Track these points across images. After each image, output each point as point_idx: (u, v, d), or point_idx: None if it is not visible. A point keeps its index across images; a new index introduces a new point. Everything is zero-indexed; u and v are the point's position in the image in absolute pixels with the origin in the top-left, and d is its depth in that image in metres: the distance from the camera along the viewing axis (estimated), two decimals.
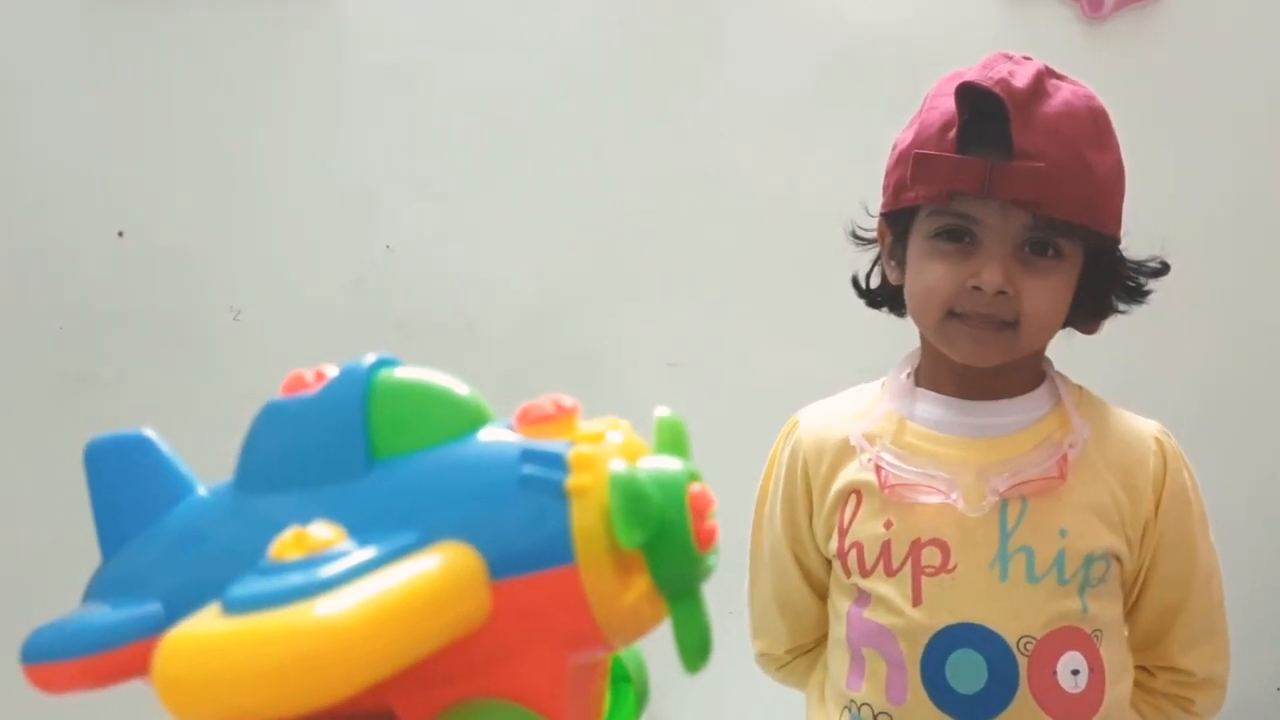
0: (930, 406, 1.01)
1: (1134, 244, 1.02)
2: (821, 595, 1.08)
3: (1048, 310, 0.94)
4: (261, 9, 1.79)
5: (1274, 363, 1.96)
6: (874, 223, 1.05)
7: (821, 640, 1.10)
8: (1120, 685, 1.00)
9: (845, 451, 1.01)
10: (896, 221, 1.00)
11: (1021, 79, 0.91)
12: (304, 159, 1.82)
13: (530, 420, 0.41)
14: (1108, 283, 1.00)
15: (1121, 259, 1.00)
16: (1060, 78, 0.96)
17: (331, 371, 0.42)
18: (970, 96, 0.90)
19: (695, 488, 0.40)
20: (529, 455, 0.39)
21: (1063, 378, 1.04)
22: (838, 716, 1.02)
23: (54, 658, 0.40)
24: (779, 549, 1.08)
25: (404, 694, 0.38)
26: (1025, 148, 0.89)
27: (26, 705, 1.28)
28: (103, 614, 0.42)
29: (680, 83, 1.89)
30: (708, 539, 0.40)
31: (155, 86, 1.79)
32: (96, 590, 0.44)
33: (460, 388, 0.42)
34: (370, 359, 0.42)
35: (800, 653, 1.12)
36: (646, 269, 1.88)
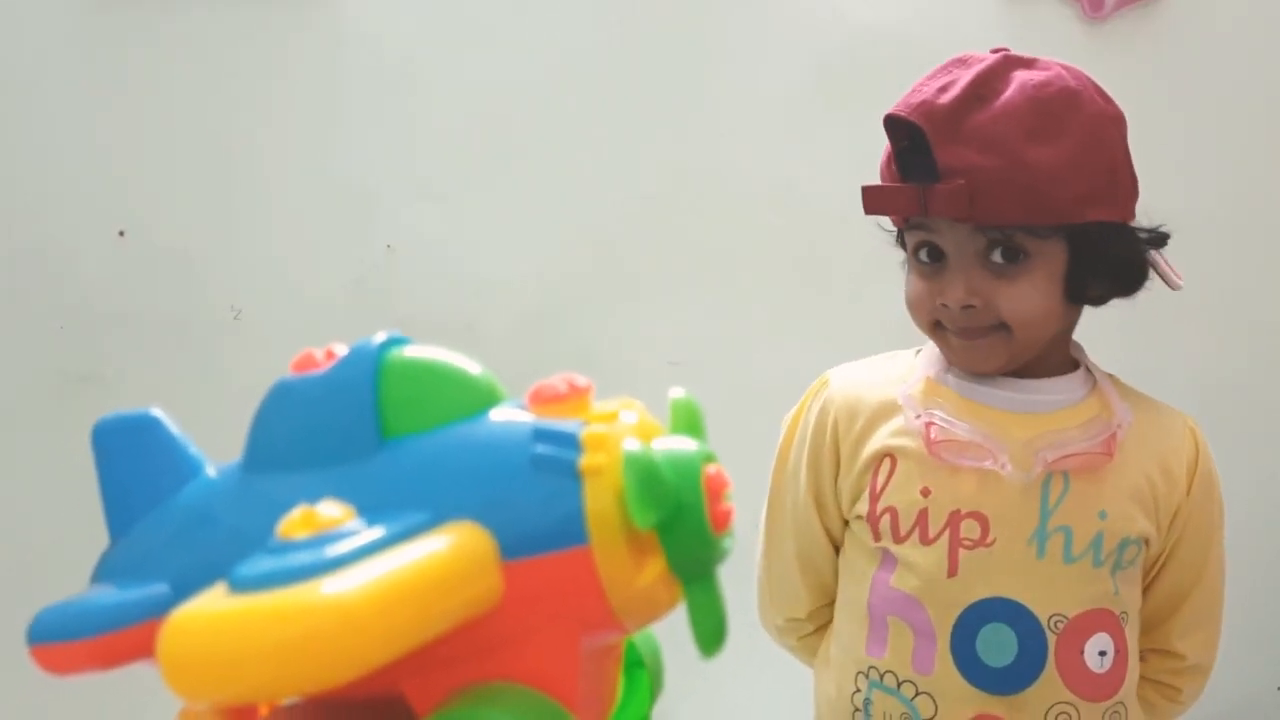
0: (969, 382, 1.00)
1: None
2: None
3: (1030, 310, 0.94)
4: (261, 9, 1.79)
5: (1274, 362, 1.96)
6: None
7: None
8: (1137, 666, 1.02)
9: (881, 413, 1.01)
10: (902, 240, 1.03)
11: (953, 91, 0.92)
12: (304, 159, 1.82)
13: (543, 400, 0.40)
14: (1098, 266, 0.97)
15: (1115, 237, 0.97)
16: (1027, 65, 0.95)
17: (341, 350, 0.42)
18: (893, 128, 0.93)
19: (711, 469, 0.39)
20: (542, 435, 0.39)
21: (1101, 371, 1.04)
22: (852, 682, 1.01)
23: (60, 638, 0.40)
24: (803, 508, 1.06)
25: (414, 676, 0.38)
26: (949, 165, 0.90)
27: (28, 703, 1.27)
28: (110, 594, 0.41)
29: (680, 82, 1.89)
30: (723, 521, 0.39)
31: (155, 86, 1.79)
32: (104, 571, 0.43)
33: (472, 366, 0.42)
34: (380, 337, 0.41)
35: (823, 620, 1.11)
36: (646, 269, 1.88)
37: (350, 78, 1.83)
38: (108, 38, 1.78)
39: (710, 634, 0.39)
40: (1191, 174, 1.86)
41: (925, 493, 0.97)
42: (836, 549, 1.07)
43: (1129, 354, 1.76)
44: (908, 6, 1.91)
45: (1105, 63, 1.89)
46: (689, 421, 0.41)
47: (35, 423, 1.74)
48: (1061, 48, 1.89)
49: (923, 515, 0.97)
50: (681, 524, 0.38)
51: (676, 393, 0.41)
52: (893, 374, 1.04)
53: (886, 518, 0.99)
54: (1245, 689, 1.99)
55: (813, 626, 1.12)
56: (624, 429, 0.39)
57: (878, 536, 1.00)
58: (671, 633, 0.43)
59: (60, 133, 1.78)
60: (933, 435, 0.96)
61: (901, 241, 1.02)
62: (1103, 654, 0.97)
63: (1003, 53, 0.96)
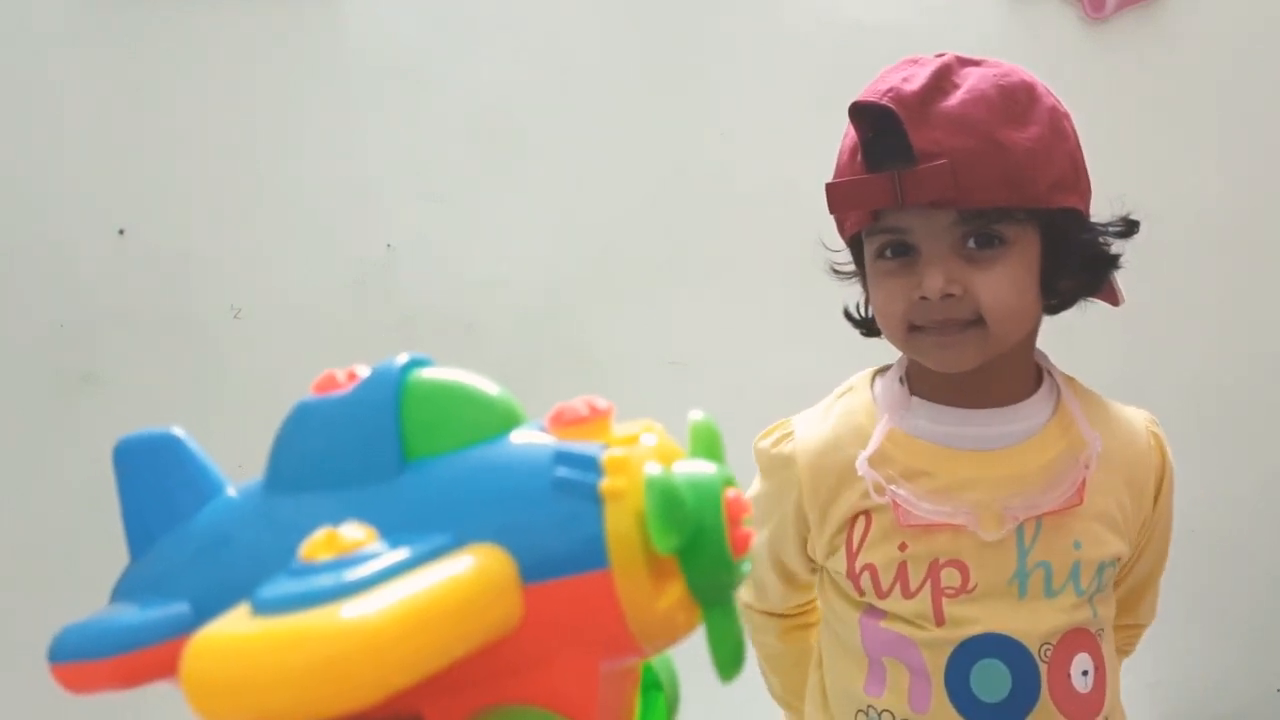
0: (928, 421, 0.98)
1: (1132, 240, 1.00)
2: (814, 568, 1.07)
3: (1007, 300, 0.91)
4: (262, 9, 1.79)
5: (1274, 362, 1.96)
6: (847, 255, 1.04)
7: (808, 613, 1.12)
8: (1115, 674, 1.02)
9: (848, 477, 0.98)
10: (855, 251, 1.00)
11: (916, 81, 0.90)
12: (304, 159, 1.82)
13: (564, 422, 0.40)
14: (1071, 255, 0.95)
15: (1083, 227, 0.96)
16: (976, 63, 0.94)
17: (363, 371, 0.42)
18: (862, 115, 0.90)
19: (730, 493, 0.39)
20: (563, 458, 0.39)
21: (1063, 375, 1.02)
22: None
23: (82, 657, 0.40)
24: (778, 541, 1.06)
25: (433, 698, 0.38)
26: (926, 149, 0.87)
27: (27, 704, 1.27)
28: (131, 614, 0.41)
29: (681, 83, 1.89)
30: (742, 545, 0.39)
31: (155, 86, 1.79)
32: (124, 590, 0.44)
33: (493, 388, 0.42)
34: (403, 358, 0.41)
35: (795, 613, 1.12)
36: (647, 269, 1.88)
37: (351, 78, 1.83)
38: (108, 38, 1.77)
39: (729, 658, 0.39)
40: (1191, 174, 1.87)
41: (903, 547, 0.96)
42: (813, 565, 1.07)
43: (1129, 355, 1.77)
44: (908, 6, 1.91)
45: (1105, 63, 1.91)
46: (708, 444, 0.40)
47: (35, 422, 1.74)
48: (1062, 48, 1.90)
49: (902, 569, 0.96)
50: (702, 548, 0.38)
51: (696, 415, 0.41)
52: (854, 422, 1.00)
53: (866, 575, 0.98)
54: (1245, 689, 2.00)
55: (786, 623, 1.13)
56: (645, 452, 0.39)
57: (861, 592, 0.99)
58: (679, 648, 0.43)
59: (60, 132, 1.77)
60: (900, 517, 0.95)
61: (858, 258, 0.99)
62: (1085, 673, 0.97)
63: (950, 54, 0.95)
